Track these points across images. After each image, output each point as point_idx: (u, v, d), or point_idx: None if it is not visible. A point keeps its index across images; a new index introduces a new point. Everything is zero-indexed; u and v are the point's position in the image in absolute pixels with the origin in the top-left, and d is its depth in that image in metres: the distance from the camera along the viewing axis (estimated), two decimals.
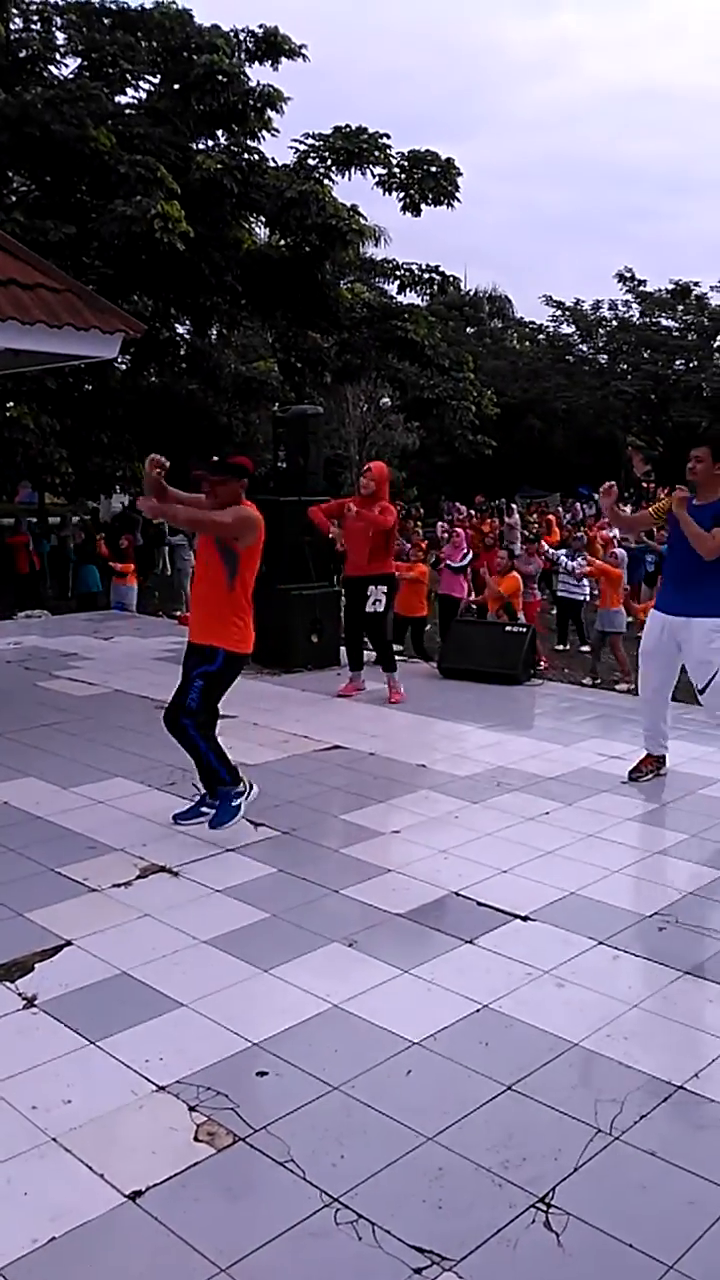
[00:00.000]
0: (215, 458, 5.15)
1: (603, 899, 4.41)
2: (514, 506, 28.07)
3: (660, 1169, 2.76)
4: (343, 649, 8.68)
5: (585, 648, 13.23)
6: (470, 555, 13.52)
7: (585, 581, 13.30)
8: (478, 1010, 3.51)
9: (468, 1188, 2.68)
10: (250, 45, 20.32)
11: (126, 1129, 2.92)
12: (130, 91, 20.33)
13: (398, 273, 22.88)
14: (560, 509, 28.19)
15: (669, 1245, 2.47)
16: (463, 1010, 3.50)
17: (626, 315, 40.61)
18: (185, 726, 5.03)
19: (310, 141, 20.18)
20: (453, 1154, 2.79)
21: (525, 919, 4.21)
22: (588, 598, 13.49)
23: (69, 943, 3.97)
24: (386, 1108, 2.98)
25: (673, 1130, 2.91)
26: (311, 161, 20.13)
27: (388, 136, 20.16)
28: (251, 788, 5.09)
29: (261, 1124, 2.90)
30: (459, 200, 20.73)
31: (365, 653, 8.31)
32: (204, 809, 5.17)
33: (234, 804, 5.00)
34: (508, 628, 9.61)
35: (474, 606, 14.40)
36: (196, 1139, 2.85)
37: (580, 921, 4.18)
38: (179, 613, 14.07)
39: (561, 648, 13.64)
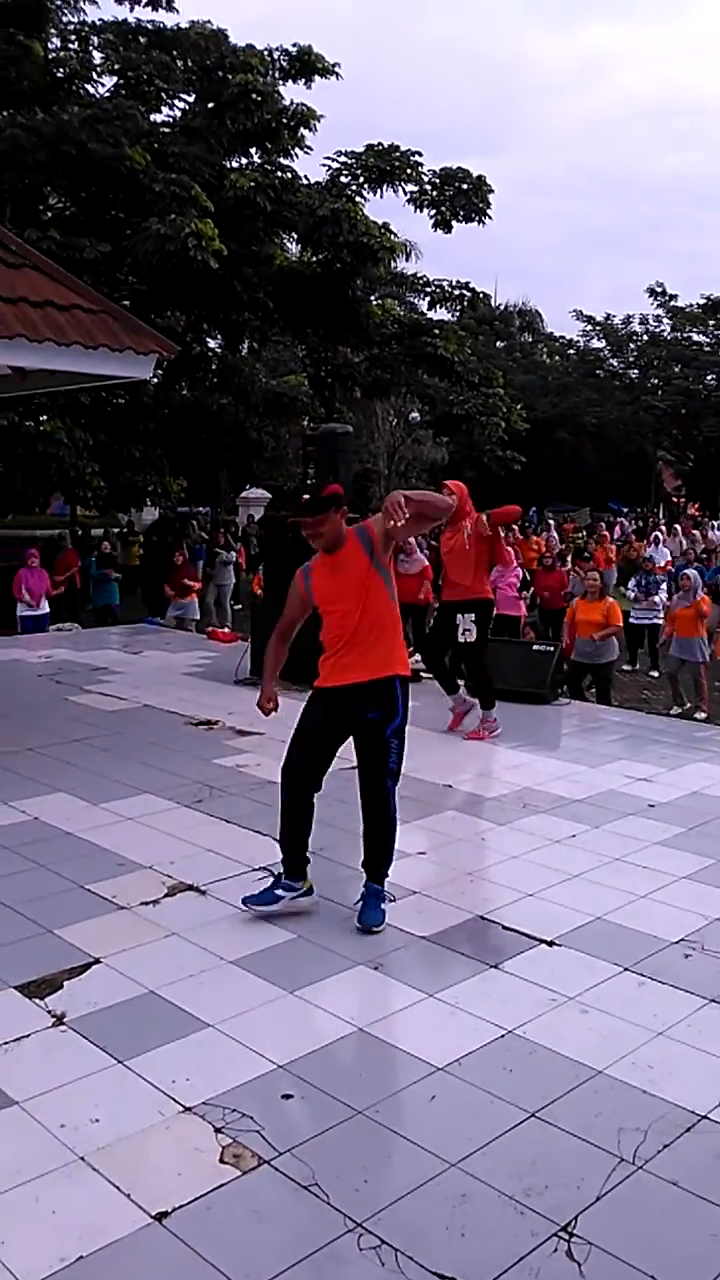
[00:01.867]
0: (306, 496, 4.72)
1: (628, 924, 4.41)
2: (550, 522, 28.03)
3: (683, 1199, 2.76)
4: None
5: (654, 673, 13.05)
6: (522, 574, 13.35)
7: (660, 606, 13.15)
8: (502, 1036, 3.52)
9: (490, 1215, 2.69)
10: (284, 64, 20.52)
11: (153, 1149, 2.96)
12: (165, 110, 20.62)
13: (428, 289, 22.98)
14: (601, 524, 28.06)
15: (691, 1276, 2.48)
16: (487, 1036, 3.52)
17: (657, 330, 40.55)
18: (389, 790, 4.42)
19: (343, 159, 20.33)
20: (476, 1180, 2.81)
21: (551, 944, 4.22)
22: (661, 621, 13.08)
23: (98, 960, 4.02)
24: (410, 1133, 3.01)
25: (696, 1160, 2.92)
26: (344, 179, 20.27)
27: (419, 154, 20.30)
28: (389, 898, 4.52)
29: (286, 1147, 2.93)
30: (490, 217, 20.83)
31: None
32: (278, 891, 4.46)
33: (383, 906, 4.43)
34: (535, 646, 9.60)
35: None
36: (222, 1161, 2.88)
37: (605, 947, 4.18)
38: (210, 627, 14.18)
39: (627, 669, 13.45)
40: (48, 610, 13.49)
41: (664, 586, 13.52)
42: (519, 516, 7.43)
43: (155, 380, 19.06)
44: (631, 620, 13.43)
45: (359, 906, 4.42)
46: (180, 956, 4.07)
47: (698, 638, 11.27)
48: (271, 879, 4.53)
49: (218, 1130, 3.01)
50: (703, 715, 10.80)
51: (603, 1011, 3.70)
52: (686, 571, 12.46)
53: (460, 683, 7.86)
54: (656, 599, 13.44)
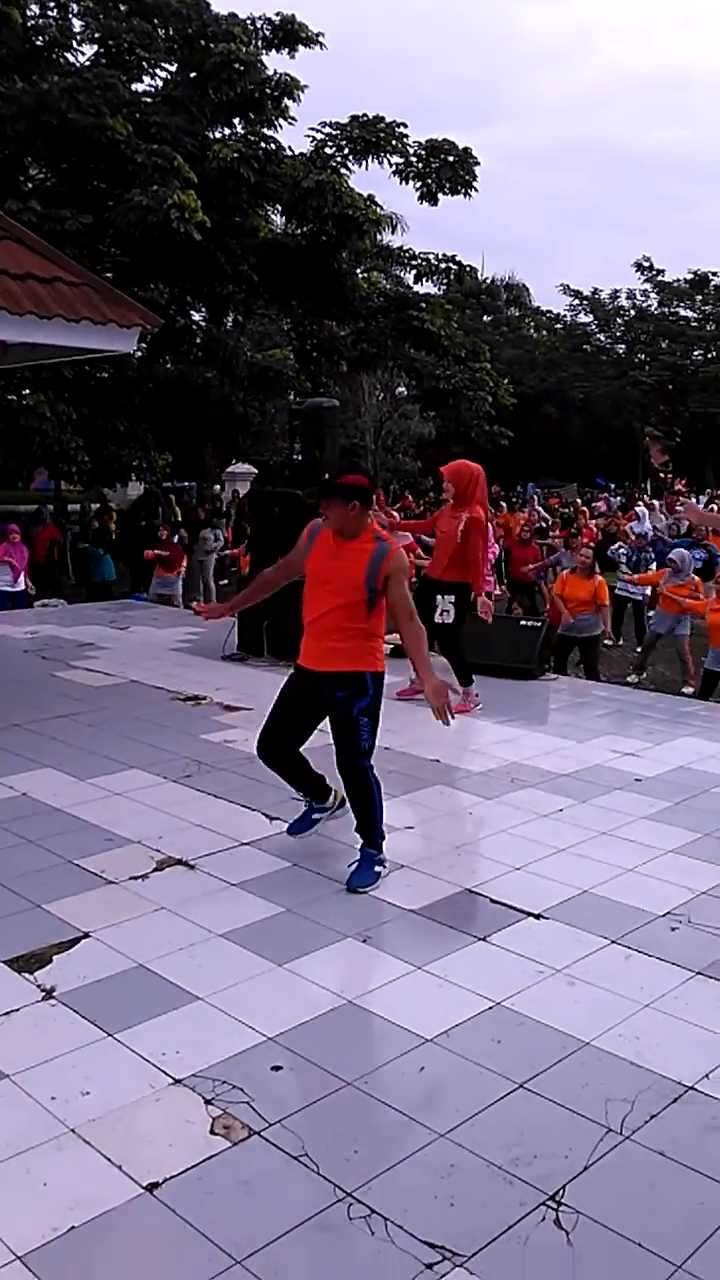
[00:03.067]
0: (326, 476, 4.77)
1: (615, 897, 4.44)
2: (534, 496, 28.01)
3: (670, 1169, 2.79)
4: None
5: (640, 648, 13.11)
6: (497, 549, 13.35)
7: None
8: (490, 1008, 3.54)
9: (479, 1184, 2.72)
10: (267, 33, 20.28)
11: (144, 1121, 2.97)
12: (147, 80, 20.37)
13: (414, 262, 22.84)
14: (579, 500, 28.08)
15: (677, 1245, 2.50)
16: (475, 1007, 3.54)
17: (645, 305, 40.52)
18: (365, 769, 4.58)
19: (327, 130, 20.16)
20: (464, 1151, 2.83)
21: (538, 917, 4.24)
22: (645, 597, 13.22)
23: (87, 935, 4.02)
24: (399, 1104, 3.03)
25: (683, 1130, 2.95)
26: (328, 150, 20.10)
27: (405, 125, 20.15)
28: (386, 863, 4.68)
29: (276, 1118, 2.95)
30: (476, 189, 20.69)
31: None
32: (315, 815, 4.90)
33: (376, 869, 4.58)
34: (523, 622, 9.61)
35: (494, 595, 14.22)
36: (213, 1132, 2.90)
37: (593, 920, 4.21)
38: (195, 601, 14.14)
39: (608, 645, 13.49)
40: (24, 587, 13.42)
41: (653, 565, 13.57)
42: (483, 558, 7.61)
43: (139, 354, 18.96)
44: (618, 591, 13.49)
45: (352, 867, 4.57)
46: (169, 930, 4.07)
47: (683, 614, 11.30)
48: (305, 805, 4.93)
49: (208, 1102, 3.02)
50: (690, 690, 10.86)
51: (590, 984, 3.72)
52: (674, 555, 12.45)
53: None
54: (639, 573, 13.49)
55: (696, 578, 11.82)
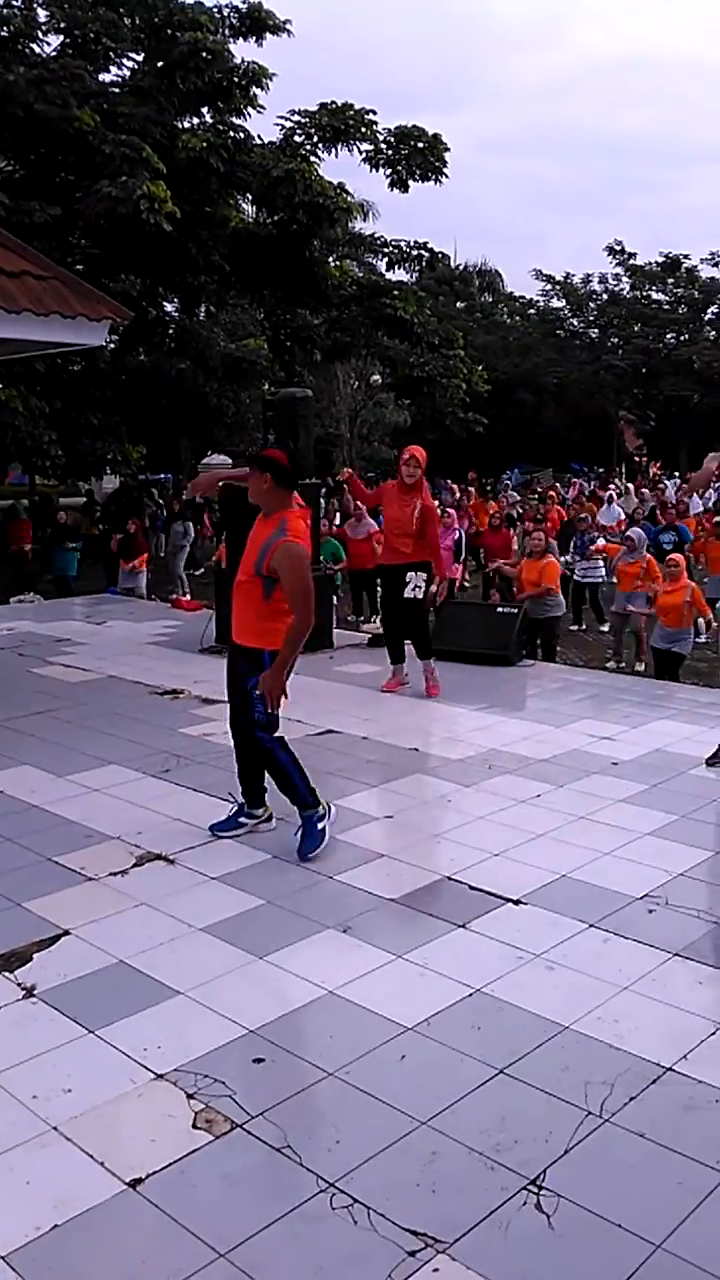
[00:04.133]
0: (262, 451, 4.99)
1: (593, 881, 4.47)
2: (507, 483, 28.06)
3: (649, 1150, 2.82)
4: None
5: (604, 628, 13.31)
6: (460, 535, 13.45)
7: (600, 563, 13.42)
8: (470, 994, 3.56)
9: (460, 1171, 2.74)
10: (234, 21, 20.11)
11: (126, 1117, 2.97)
12: (114, 70, 20.14)
13: (386, 249, 22.77)
14: (557, 485, 28.15)
15: (657, 1225, 2.53)
16: (455, 995, 3.56)
17: (617, 289, 40.52)
18: (261, 740, 4.74)
19: (296, 118, 20.00)
20: (446, 1138, 2.85)
21: (517, 902, 4.26)
22: (603, 579, 13.54)
23: (67, 932, 4.02)
24: (381, 1093, 3.04)
25: (662, 1112, 2.97)
26: (298, 139, 19.97)
27: (374, 112, 20.01)
28: (330, 809, 4.83)
29: (258, 1110, 2.96)
30: (446, 176, 20.62)
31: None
32: (242, 819, 4.98)
33: (319, 827, 4.70)
34: (499, 608, 9.64)
35: (465, 586, 14.37)
36: (195, 1126, 2.91)
37: (571, 904, 4.23)
38: (174, 595, 14.10)
39: (574, 629, 13.67)
40: None
41: (601, 541, 13.80)
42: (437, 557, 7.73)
43: (111, 346, 18.81)
44: (576, 578, 13.69)
45: (297, 837, 4.72)
46: (150, 926, 4.08)
47: (641, 593, 11.54)
48: (236, 806, 5.03)
49: (190, 1096, 3.03)
50: (641, 666, 11.07)
51: (569, 968, 3.75)
52: (630, 532, 12.82)
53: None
54: (593, 550, 13.69)
55: (649, 555, 12.10)
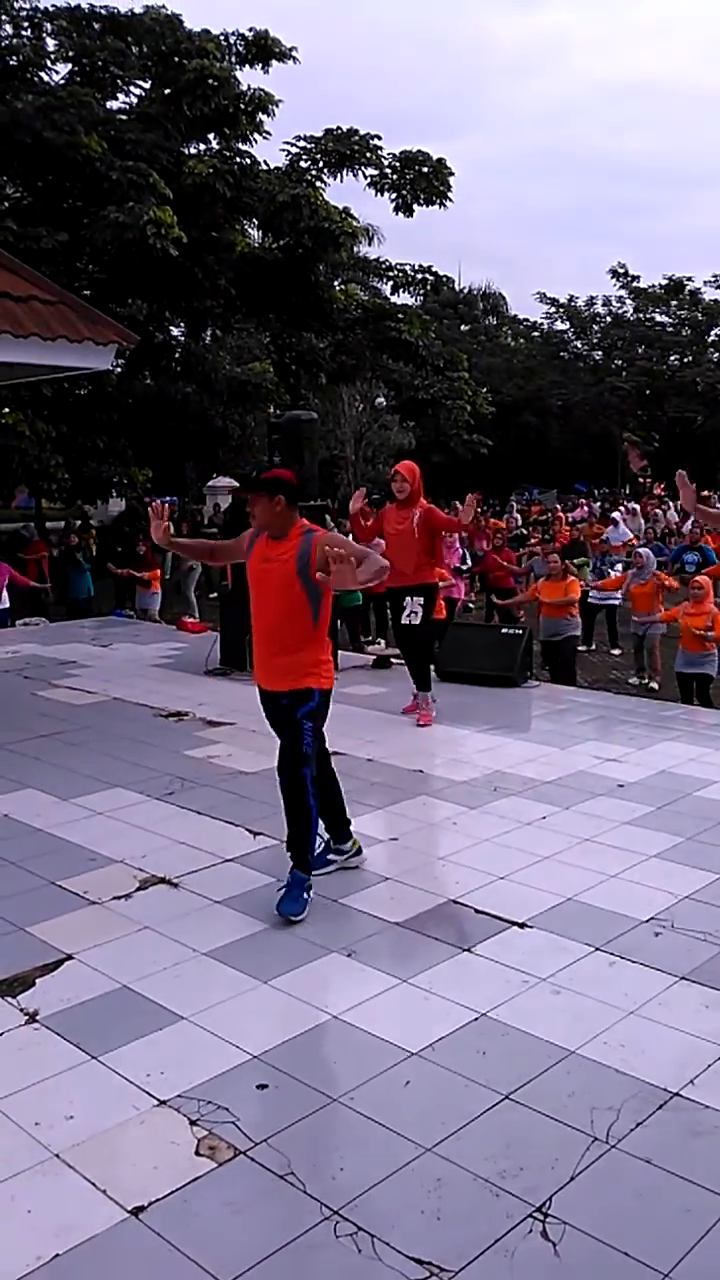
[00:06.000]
0: (253, 473, 4.68)
1: (599, 904, 4.44)
2: (511, 504, 28.11)
3: (657, 1176, 2.79)
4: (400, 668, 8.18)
5: (615, 651, 13.35)
6: (466, 556, 13.46)
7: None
8: (475, 1019, 3.54)
9: (466, 1198, 2.71)
10: (240, 49, 20.35)
11: (128, 1144, 2.95)
12: (121, 97, 20.42)
13: (391, 273, 22.92)
14: (559, 506, 28.20)
15: (665, 1253, 2.50)
16: (460, 1020, 3.53)
17: (621, 311, 40.68)
18: (304, 775, 4.45)
19: (301, 144, 20.21)
20: (451, 1164, 2.83)
21: (522, 926, 4.24)
22: (619, 602, 13.52)
23: (70, 956, 4.01)
24: (385, 1119, 3.02)
25: (669, 1138, 2.95)
26: (303, 164, 20.16)
27: (378, 138, 20.22)
28: (311, 890, 4.47)
29: (262, 1137, 2.93)
30: (451, 200, 20.79)
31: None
32: (331, 856, 4.79)
33: (304, 896, 4.39)
34: (504, 630, 9.63)
35: (470, 606, 14.36)
36: (198, 1153, 2.88)
37: (577, 928, 4.21)
38: (186, 618, 14.12)
39: (583, 650, 13.68)
40: (8, 604, 13.36)
41: (619, 565, 13.80)
42: (460, 530, 7.49)
43: (118, 370, 18.96)
44: (590, 600, 13.69)
45: (280, 894, 4.40)
46: (153, 950, 4.06)
47: (654, 612, 11.58)
48: (323, 844, 4.80)
49: (193, 1123, 3.01)
50: (656, 686, 11.10)
51: (575, 992, 3.72)
52: (639, 551, 12.82)
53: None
54: (612, 574, 13.74)
55: (660, 572, 12.18)
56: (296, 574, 4.31)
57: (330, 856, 4.81)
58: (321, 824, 4.70)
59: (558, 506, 27.70)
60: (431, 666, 7.94)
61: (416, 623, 7.46)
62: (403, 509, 7.38)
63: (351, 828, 4.89)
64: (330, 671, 4.55)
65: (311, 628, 4.40)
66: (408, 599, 7.43)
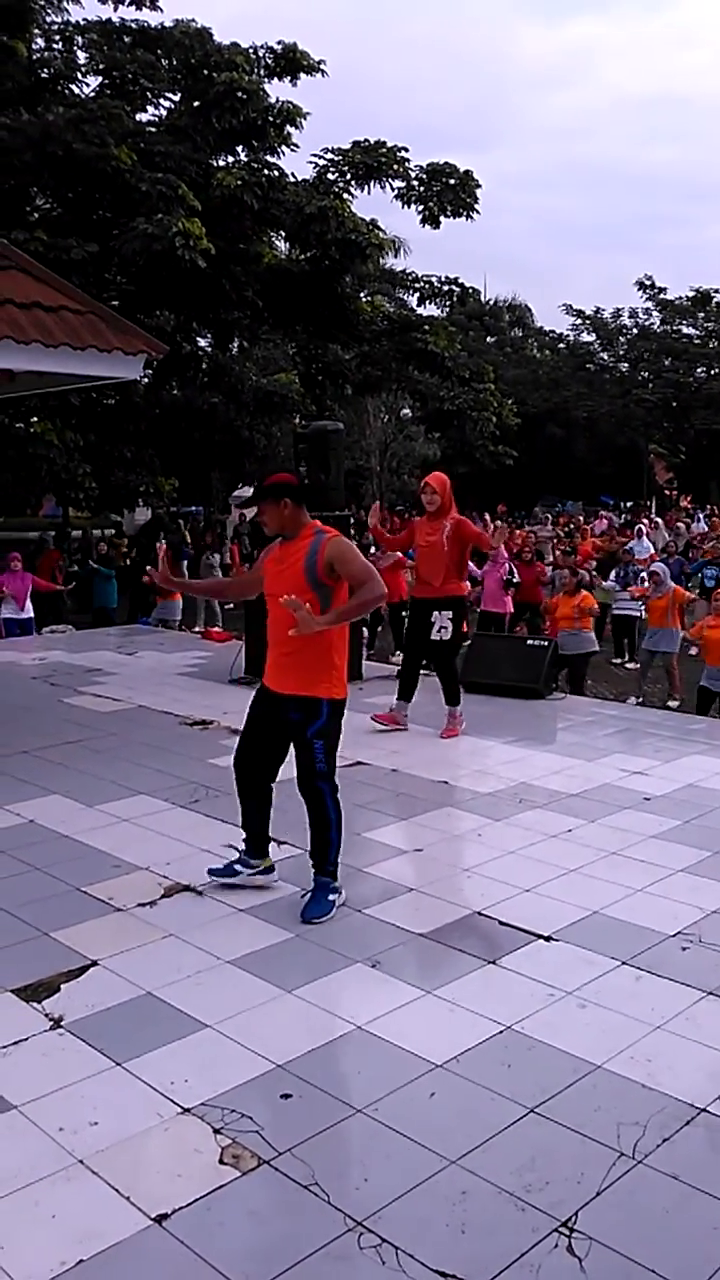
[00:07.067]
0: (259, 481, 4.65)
1: (625, 918, 4.41)
2: (546, 516, 28.05)
3: (684, 1193, 2.76)
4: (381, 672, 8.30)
5: (631, 665, 13.34)
6: (510, 568, 13.40)
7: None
8: (500, 1032, 3.52)
9: (490, 1211, 2.69)
10: (269, 62, 20.52)
11: (152, 1151, 2.95)
12: (151, 109, 20.64)
13: (417, 285, 23.00)
14: (581, 518, 28.11)
15: (693, 1271, 2.48)
16: (485, 1032, 3.51)
17: (647, 323, 40.56)
18: (321, 790, 4.46)
19: (329, 156, 20.33)
20: (476, 1177, 2.81)
21: (548, 939, 4.22)
22: (642, 614, 13.50)
23: (95, 963, 4.01)
24: (410, 1130, 3.00)
25: (696, 1154, 2.92)
26: (330, 176, 20.27)
27: (406, 150, 20.33)
28: (342, 892, 4.55)
29: (286, 1147, 2.92)
30: (478, 212, 20.87)
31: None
32: (238, 866, 4.73)
33: (330, 899, 4.43)
34: (530, 641, 9.61)
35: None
36: (222, 1162, 2.88)
37: (603, 941, 4.18)
38: (205, 628, 14.18)
39: (617, 663, 13.69)
40: (32, 614, 13.46)
41: (643, 577, 13.77)
42: (487, 548, 7.50)
43: (145, 380, 19.08)
44: (615, 612, 13.68)
45: (304, 899, 4.47)
46: (177, 957, 4.06)
47: (670, 628, 11.54)
48: (236, 854, 4.78)
49: (217, 1131, 3.00)
50: (675, 703, 11.03)
51: (601, 1006, 3.70)
52: (655, 567, 12.83)
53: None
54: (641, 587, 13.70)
55: (675, 585, 12.17)
56: (304, 574, 4.33)
57: (237, 867, 4.72)
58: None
59: (580, 518, 27.61)
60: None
61: (446, 638, 7.41)
62: (433, 521, 7.35)
63: (270, 849, 4.77)
64: (342, 679, 4.47)
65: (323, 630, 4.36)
66: (435, 613, 7.37)
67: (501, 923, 4.37)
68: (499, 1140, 2.96)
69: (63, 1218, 2.68)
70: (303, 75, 20.68)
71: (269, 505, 4.40)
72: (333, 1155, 2.91)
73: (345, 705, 4.52)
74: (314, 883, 4.49)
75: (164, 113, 20.75)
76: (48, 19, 20.31)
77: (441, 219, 20.69)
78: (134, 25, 20.27)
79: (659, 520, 24.82)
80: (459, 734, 7.45)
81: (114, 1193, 2.76)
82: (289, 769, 4.57)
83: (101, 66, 19.86)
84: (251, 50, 20.28)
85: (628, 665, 13.55)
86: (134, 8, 20.43)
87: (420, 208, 20.64)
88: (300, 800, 4.53)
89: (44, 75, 19.86)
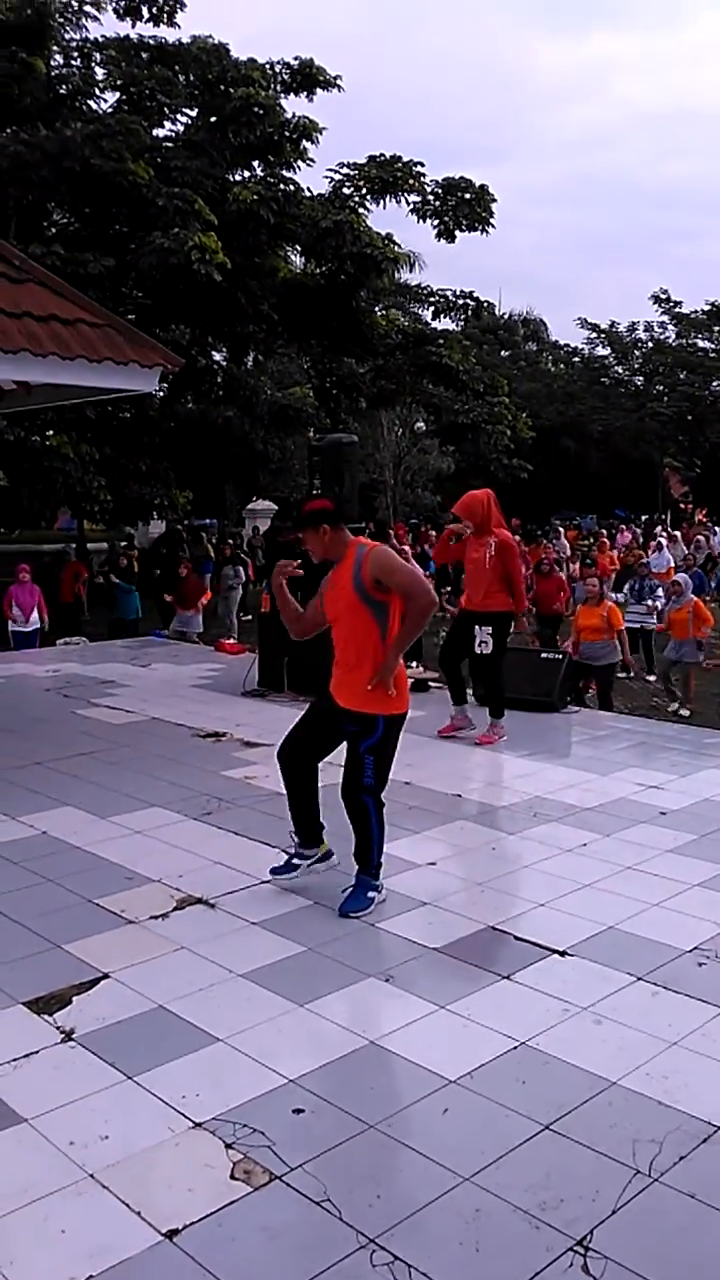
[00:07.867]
0: (297, 511, 4.81)
1: (641, 933, 4.37)
2: (560, 530, 28.01)
3: (700, 1211, 2.72)
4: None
5: (650, 676, 13.30)
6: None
7: (654, 610, 13.46)
8: (515, 1047, 3.49)
9: (505, 1229, 2.66)
10: (286, 77, 20.61)
11: (163, 1166, 2.92)
12: (168, 125, 20.72)
13: (432, 299, 23.02)
14: (603, 532, 28.06)
15: None
16: (500, 1048, 3.48)
17: (662, 337, 40.57)
18: (366, 804, 4.57)
19: (345, 171, 20.39)
20: (490, 1195, 2.78)
21: (563, 954, 4.18)
22: (653, 626, 13.54)
23: (106, 975, 4.00)
24: (423, 1147, 2.97)
25: (713, 1171, 2.88)
26: (346, 191, 20.33)
27: (421, 164, 20.36)
28: (384, 891, 4.68)
29: (298, 1162, 2.90)
30: (493, 226, 20.88)
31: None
32: (295, 860, 4.83)
33: (370, 895, 4.58)
34: (544, 654, 9.57)
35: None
36: (233, 1177, 2.85)
37: (618, 957, 4.14)
38: (224, 639, 14.18)
39: (622, 677, 13.63)
40: (39, 626, 13.49)
41: (660, 591, 13.73)
42: (520, 584, 7.66)
43: (161, 394, 19.15)
44: (626, 624, 13.63)
45: (344, 894, 4.58)
46: (190, 970, 4.04)
47: (691, 639, 11.60)
48: (292, 849, 4.86)
49: (228, 1146, 2.98)
50: (686, 713, 11.07)
51: (616, 1022, 3.66)
52: (677, 577, 12.84)
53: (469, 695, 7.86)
54: (653, 603, 13.65)
55: (697, 599, 12.22)
56: (354, 590, 4.47)
57: (295, 861, 4.84)
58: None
59: (602, 532, 27.56)
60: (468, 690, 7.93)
61: (488, 652, 7.54)
62: (479, 537, 7.49)
63: (325, 835, 4.88)
64: (402, 691, 4.59)
65: (380, 643, 4.50)
66: (477, 627, 7.52)
67: (516, 937, 4.33)
68: (513, 1157, 2.93)
69: (73, 1232, 2.65)
70: (319, 90, 20.77)
71: (309, 534, 4.57)
72: (345, 1171, 2.88)
73: (404, 719, 4.66)
74: (354, 879, 4.63)
75: (181, 128, 20.86)
76: (66, 36, 20.47)
77: (457, 233, 20.73)
78: (152, 42, 20.41)
79: (677, 534, 24.79)
80: (494, 743, 7.51)
81: (124, 1207, 2.74)
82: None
83: (119, 82, 19.98)
84: (268, 66, 20.39)
85: (647, 677, 13.49)
86: (152, 24, 20.60)
87: (435, 222, 20.69)
88: (333, 811, 4.55)
89: (62, 91, 20.00)
